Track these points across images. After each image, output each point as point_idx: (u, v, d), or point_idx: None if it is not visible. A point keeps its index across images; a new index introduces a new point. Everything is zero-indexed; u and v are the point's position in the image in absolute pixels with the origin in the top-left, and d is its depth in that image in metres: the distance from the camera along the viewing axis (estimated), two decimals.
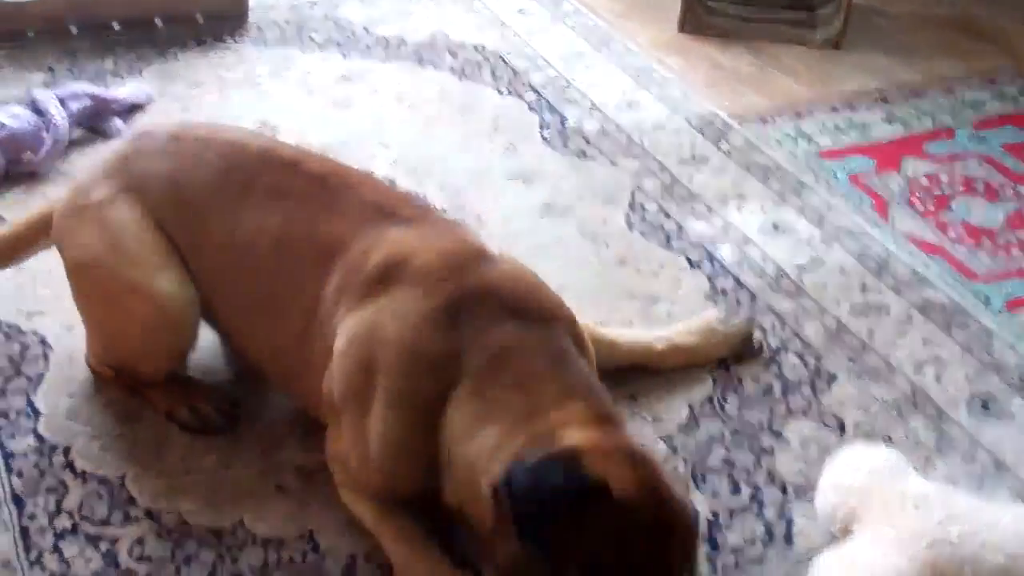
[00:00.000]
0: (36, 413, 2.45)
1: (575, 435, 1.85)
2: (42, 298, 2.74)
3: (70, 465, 2.33)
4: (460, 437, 1.97)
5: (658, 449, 2.39)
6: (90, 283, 2.40)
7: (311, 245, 2.24)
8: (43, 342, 2.63)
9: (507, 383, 1.96)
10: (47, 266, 2.75)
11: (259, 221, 2.29)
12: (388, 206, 2.25)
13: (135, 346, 2.40)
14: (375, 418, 2.06)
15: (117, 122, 3.41)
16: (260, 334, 2.35)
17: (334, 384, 2.14)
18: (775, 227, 3.11)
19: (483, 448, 1.92)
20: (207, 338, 2.50)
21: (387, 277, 2.12)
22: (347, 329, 2.13)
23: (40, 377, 2.54)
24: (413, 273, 2.10)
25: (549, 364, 2.00)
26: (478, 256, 2.16)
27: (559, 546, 1.76)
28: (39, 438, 2.39)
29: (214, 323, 2.46)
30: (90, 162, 2.68)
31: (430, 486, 2.05)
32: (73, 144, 3.30)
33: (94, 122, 3.40)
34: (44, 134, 3.20)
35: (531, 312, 2.07)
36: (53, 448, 2.37)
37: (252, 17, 4.05)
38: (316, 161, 2.37)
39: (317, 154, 2.45)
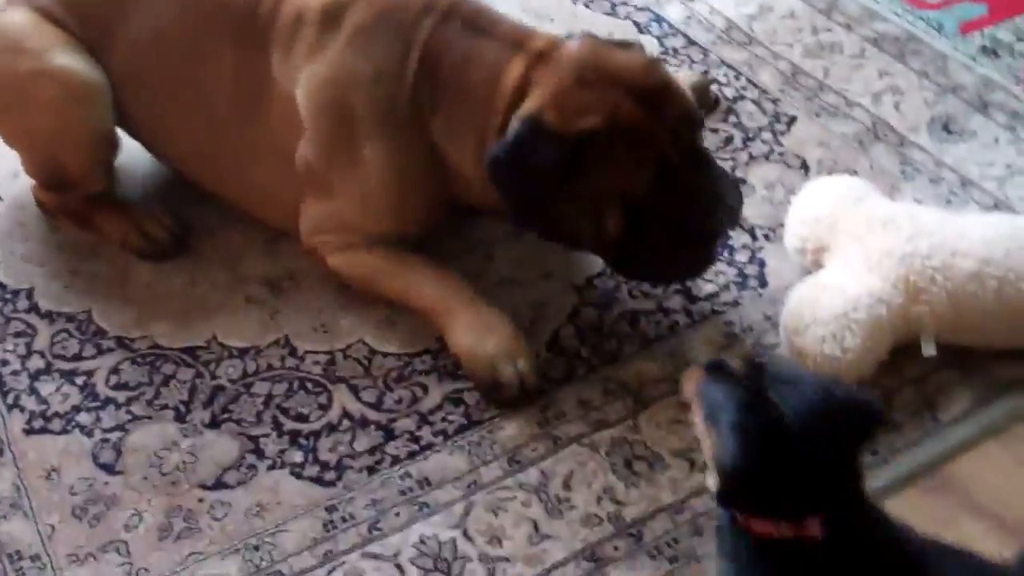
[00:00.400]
0: None
1: (529, 101, 1.95)
2: None
3: (35, 307, 2.30)
4: (450, 141, 2.08)
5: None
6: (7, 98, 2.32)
7: (225, 13, 2.21)
8: None
9: (472, 79, 2.04)
10: None
11: (170, 4, 2.24)
12: None
13: (58, 142, 2.31)
14: (374, 157, 2.10)
15: None
16: (192, 132, 2.31)
17: (312, 148, 2.14)
18: None
19: (470, 141, 2.05)
20: (147, 164, 2.46)
21: (332, 20, 2.12)
22: (309, 85, 2.12)
23: None
24: (359, 11, 2.11)
25: (497, 50, 2.05)
26: None
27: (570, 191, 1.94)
28: (0, 285, 2.35)
29: (147, 141, 2.43)
30: None
31: (435, 210, 2.19)
32: None
33: None
34: None
35: (480, 21, 2.10)
36: (15, 293, 2.34)
37: None
38: None
39: None
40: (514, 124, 1.95)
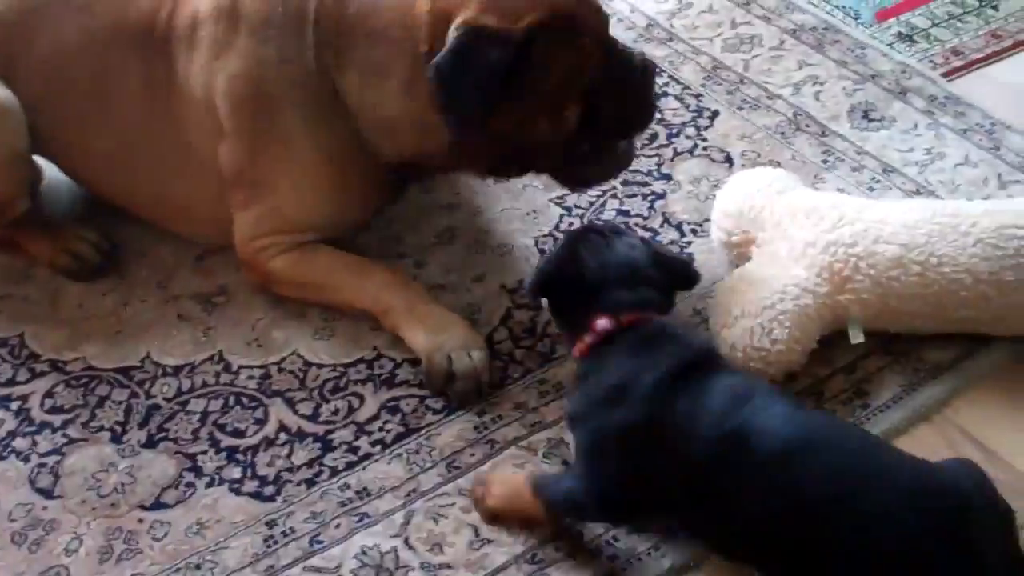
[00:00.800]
0: None
1: (463, 15, 1.94)
2: None
3: None
4: (369, 92, 2.08)
5: None
6: None
7: (123, 28, 2.21)
8: None
9: (384, 21, 2.04)
10: None
11: (71, 24, 2.25)
12: None
13: None
14: (298, 140, 2.12)
15: None
16: (104, 151, 2.31)
17: (235, 147, 2.15)
18: None
19: (394, 82, 2.05)
20: (71, 183, 2.45)
21: (228, 16, 2.13)
22: (221, 84, 2.12)
23: None
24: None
25: None
26: None
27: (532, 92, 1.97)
28: None
29: (63, 164, 2.42)
30: None
31: (371, 190, 2.22)
32: None
33: None
34: None
35: None
36: None
37: None
38: None
39: None
40: (453, 35, 1.93)
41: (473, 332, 2.12)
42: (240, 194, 2.20)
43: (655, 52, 2.79)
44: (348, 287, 2.21)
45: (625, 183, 2.44)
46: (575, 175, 2.17)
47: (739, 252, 2.18)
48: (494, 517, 1.88)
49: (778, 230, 2.10)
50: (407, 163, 2.17)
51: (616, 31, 2.80)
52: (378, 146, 2.13)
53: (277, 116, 2.12)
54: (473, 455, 1.99)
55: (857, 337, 2.03)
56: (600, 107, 2.03)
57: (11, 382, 2.19)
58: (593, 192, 2.43)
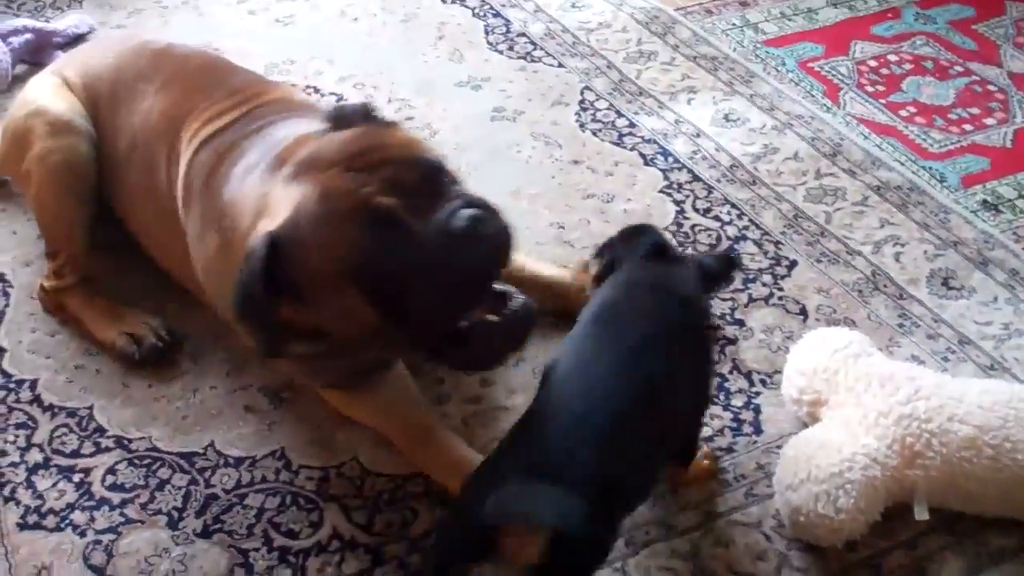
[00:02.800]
0: (0, 350, 2.43)
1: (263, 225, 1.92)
2: None
3: (37, 399, 2.32)
4: None
5: None
6: (12, 140, 2.54)
7: (163, 124, 2.39)
8: (2, 279, 2.60)
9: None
10: (0, 205, 2.74)
11: (142, 108, 2.43)
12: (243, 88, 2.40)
13: (44, 175, 2.45)
14: None
15: (59, 55, 3.35)
16: (148, 220, 2.45)
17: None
18: (726, 118, 3.10)
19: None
20: (145, 270, 2.50)
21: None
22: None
23: (2, 314, 2.52)
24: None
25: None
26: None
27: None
28: (5, 374, 2.38)
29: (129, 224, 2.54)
30: None
31: None
32: (16, 79, 3.24)
33: (36, 56, 3.33)
34: None
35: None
36: (20, 383, 2.35)
37: None
38: (204, 56, 2.59)
39: (211, 52, 2.68)
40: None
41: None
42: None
43: (738, 194, 2.82)
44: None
45: None
46: (454, 358, 1.99)
47: (809, 411, 2.18)
48: None
49: (851, 395, 2.11)
50: None
51: (699, 169, 2.87)
52: None
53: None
54: None
55: (922, 514, 2.01)
56: (396, 280, 1.84)
57: (76, 453, 2.22)
58: None
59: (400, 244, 1.82)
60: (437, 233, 1.83)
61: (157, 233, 2.43)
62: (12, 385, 2.35)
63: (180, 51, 2.56)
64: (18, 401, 2.32)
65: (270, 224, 1.89)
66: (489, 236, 1.88)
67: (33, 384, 2.35)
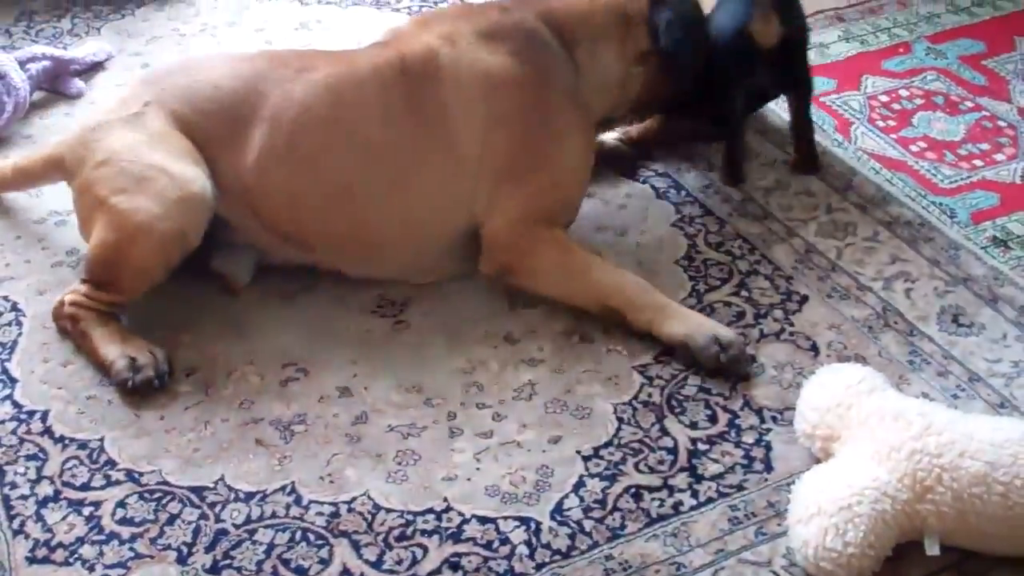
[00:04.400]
0: (12, 380, 2.44)
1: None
2: (12, 264, 2.73)
3: (48, 430, 2.33)
4: (598, 68, 2.73)
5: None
6: (116, 170, 2.49)
7: (354, 73, 2.63)
8: (15, 308, 2.62)
9: (591, 19, 2.73)
10: (15, 233, 2.77)
11: (294, 84, 2.60)
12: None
13: (148, 230, 2.44)
14: (571, 123, 2.63)
15: (77, 82, 3.38)
16: (341, 174, 2.57)
17: (506, 139, 2.55)
18: (724, 179, 3.09)
19: (614, 56, 2.74)
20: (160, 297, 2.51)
21: (463, 38, 2.66)
22: (484, 87, 2.58)
23: (14, 344, 2.53)
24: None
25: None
26: None
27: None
28: (16, 405, 2.39)
29: (279, 217, 2.58)
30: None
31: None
32: (34, 106, 3.27)
33: (54, 84, 3.36)
34: (5, 99, 3.17)
35: None
36: (31, 414, 2.36)
37: None
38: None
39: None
40: (661, 10, 2.71)
41: (714, 321, 2.50)
42: (509, 181, 2.55)
43: (749, 229, 2.83)
44: (604, 283, 2.52)
45: (713, 371, 2.44)
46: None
47: (822, 447, 2.18)
48: None
49: (864, 430, 2.11)
50: (604, 120, 2.80)
51: (712, 202, 2.90)
52: (591, 105, 2.69)
53: (548, 98, 2.59)
54: None
55: (933, 549, 2.01)
56: None
57: (86, 487, 2.22)
58: (676, 366, 2.45)
59: None
60: None
61: (369, 173, 2.56)
62: (23, 416, 2.36)
63: (279, 49, 2.99)
64: (29, 432, 2.33)
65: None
66: None
67: (44, 415, 2.36)
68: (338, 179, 2.55)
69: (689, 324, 2.46)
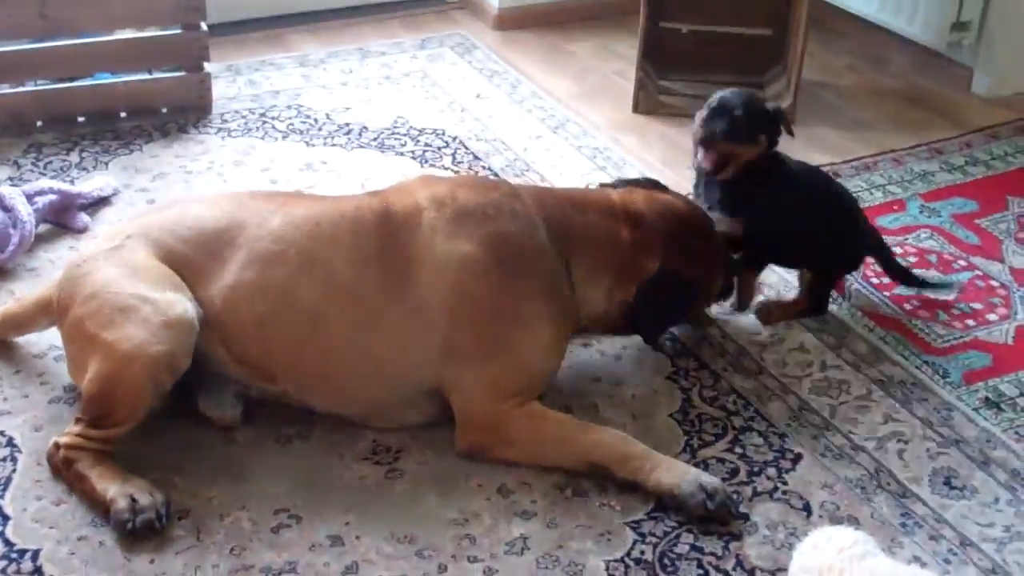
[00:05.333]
0: (5, 518, 2.44)
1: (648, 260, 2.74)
2: (9, 398, 2.75)
3: (39, 570, 2.32)
4: (588, 283, 2.74)
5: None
6: (101, 303, 2.54)
7: (332, 217, 2.70)
8: (11, 443, 2.62)
9: (598, 241, 2.75)
10: (14, 367, 2.79)
11: (273, 219, 2.67)
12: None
13: (136, 357, 2.47)
14: (544, 310, 2.63)
15: (83, 217, 3.43)
16: (307, 317, 2.60)
17: (476, 314, 2.57)
18: (732, 306, 3.15)
19: (603, 295, 2.76)
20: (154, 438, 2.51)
21: (452, 207, 2.72)
22: (460, 262, 2.60)
23: (8, 480, 2.53)
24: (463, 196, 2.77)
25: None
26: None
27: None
28: (8, 543, 2.38)
29: (249, 352, 2.62)
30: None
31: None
32: (39, 239, 3.32)
33: (60, 217, 3.41)
34: (11, 231, 3.22)
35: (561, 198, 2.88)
36: (21, 553, 2.36)
37: (215, 107, 4.07)
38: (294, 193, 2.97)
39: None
40: (654, 273, 2.71)
41: (698, 469, 2.52)
42: (474, 362, 2.55)
43: (743, 384, 2.86)
44: (583, 443, 2.54)
45: (701, 519, 2.46)
46: None
47: None
48: None
49: None
50: (586, 328, 2.82)
51: (706, 355, 2.95)
52: (580, 314, 2.73)
53: (524, 280, 2.61)
54: None
55: None
56: None
57: None
58: (669, 522, 2.45)
59: None
60: None
61: (336, 317, 2.59)
62: (14, 555, 2.35)
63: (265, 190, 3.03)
64: (19, 572, 2.32)
65: (672, 263, 2.76)
66: None
67: (35, 555, 2.35)
68: (306, 313, 2.59)
69: (674, 473, 2.49)
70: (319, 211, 2.68)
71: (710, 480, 2.47)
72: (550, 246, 2.68)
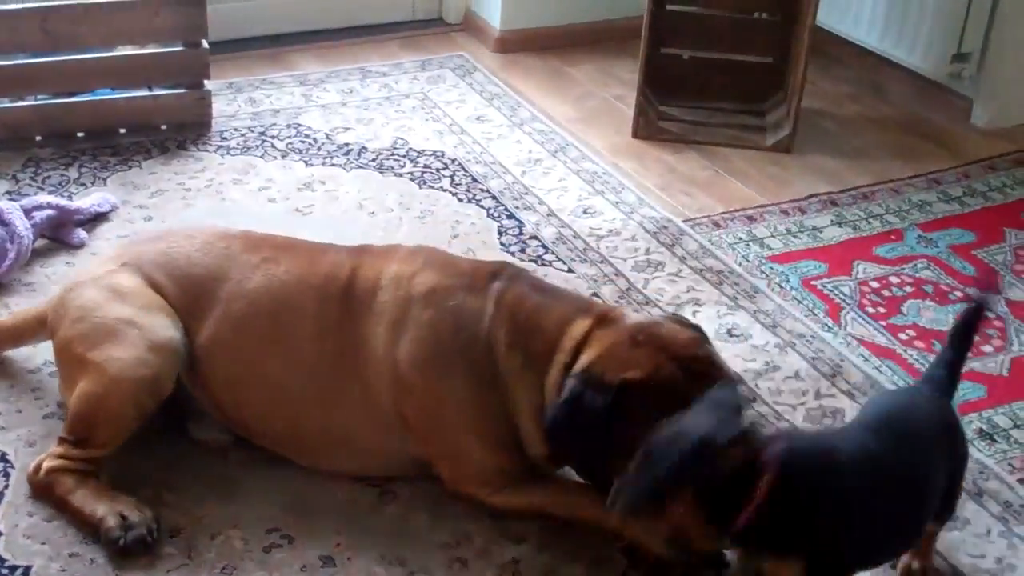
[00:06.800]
0: None
1: (585, 356, 2.34)
2: (3, 413, 2.75)
3: None
4: (519, 378, 2.44)
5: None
6: (89, 325, 2.55)
7: (306, 279, 2.61)
8: (4, 459, 2.62)
9: (543, 327, 2.45)
10: (8, 381, 2.79)
11: (255, 272, 2.64)
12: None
13: (121, 379, 2.48)
14: (470, 406, 2.45)
15: (80, 232, 3.44)
16: (274, 381, 2.58)
17: (418, 406, 2.48)
18: (730, 333, 3.16)
19: (532, 386, 2.43)
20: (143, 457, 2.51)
21: (408, 290, 2.57)
22: (405, 350, 2.49)
23: (0, 495, 2.53)
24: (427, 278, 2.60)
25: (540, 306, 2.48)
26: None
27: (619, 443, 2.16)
28: None
29: (223, 400, 2.61)
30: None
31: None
32: (36, 254, 3.32)
33: (57, 232, 3.42)
34: (8, 246, 3.22)
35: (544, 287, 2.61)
36: (12, 569, 2.35)
37: (215, 125, 4.09)
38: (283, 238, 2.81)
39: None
40: (569, 381, 2.31)
41: None
42: (428, 444, 2.50)
43: None
44: (572, 505, 2.46)
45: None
46: None
47: None
48: None
49: None
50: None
51: None
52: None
53: (450, 378, 2.44)
54: None
55: None
56: None
57: None
58: None
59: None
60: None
61: (297, 385, 2.56)
62: (5, 571, 2.35)
63: (258, 233, 2.81)
64: None
65: (596, 364, 2.31)
66: None
67: (26, 571, 2.35)
68: (273, 383, 2.58)
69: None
70: (295, 273, 2.62)
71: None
72: (494, 340, 2.45)
